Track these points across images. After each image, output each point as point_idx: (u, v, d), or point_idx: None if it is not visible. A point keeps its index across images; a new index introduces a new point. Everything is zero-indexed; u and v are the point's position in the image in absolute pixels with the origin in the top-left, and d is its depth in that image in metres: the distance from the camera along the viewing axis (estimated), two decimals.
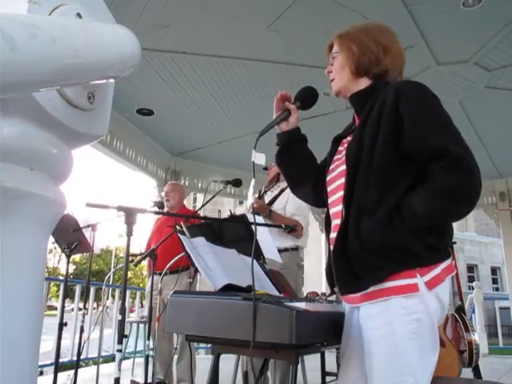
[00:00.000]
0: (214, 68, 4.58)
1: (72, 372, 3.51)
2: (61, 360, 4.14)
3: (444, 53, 4.27)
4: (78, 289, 6.05)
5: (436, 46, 4.16)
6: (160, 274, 3.44)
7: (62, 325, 3.37)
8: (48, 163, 0.88)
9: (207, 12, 3.75)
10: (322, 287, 6.78)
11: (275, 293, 1.83)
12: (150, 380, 3.25)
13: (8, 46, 0.61)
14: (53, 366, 3.51)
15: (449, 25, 3.85)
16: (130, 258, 2.85)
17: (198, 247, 1.74)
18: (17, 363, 0.84)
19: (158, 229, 4.19)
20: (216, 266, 1.70)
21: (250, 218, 2.40)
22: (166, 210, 4.18)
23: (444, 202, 1.23)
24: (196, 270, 3.30)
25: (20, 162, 0.83)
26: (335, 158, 1.54)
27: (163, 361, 3.83)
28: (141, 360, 5.23)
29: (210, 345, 1.65)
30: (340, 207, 1.40)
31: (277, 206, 3.37)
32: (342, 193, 1.40)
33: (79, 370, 3.41)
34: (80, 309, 5.58)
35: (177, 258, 2.80)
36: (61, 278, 8.32)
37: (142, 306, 8.05)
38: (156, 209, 3.73)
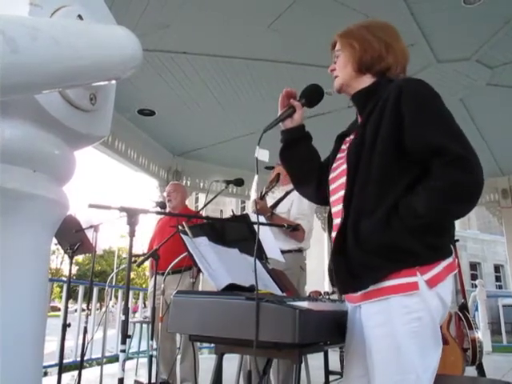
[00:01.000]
0: (215, 68, 4.58)
1: (76, 372, 3.53)
2: (65, 361, 4.14)
3: (445, 50, 4.25)
4: (81, 290, 6.06)
5: (437, 44, 4.15)
6: (163, 274, 3.45)
7: (65, 326, 3.37)
8: (50, 164, 0.88)
9: (207, 12, 3.75)
10: (325, 286, 6.78)
11: (278, 292, 1.83)
12: (153, 380, 3.26)
13: (10, 47, 0.61)
14: (57, 367, 3.52)
15: (450, 22, 3.84)
16: (133, 259, 2.85)
17: (201, 247, 1.75)
18: (21, 364, 0.84)
19: (161, 229, 4.19)
20: (219, 265, 1.70)
21: (253, 217, 2.40)
22: (168, 210, 4.18)
23: (443, 201, 1.22)
24: (199, 270, 3.30)
25: (22, 163, 0.83)
26: (338, 156, 1.54)
27: (166, 361, 3.83)
28: (144, 360, 5.23)
29: (213, 344, 1.66)
30: (340, 206, 1.40)
31: (281, 210, 3.36)
32: (342, 192, 1.40)
33: (83, 371, 3.42)
34: (83, 309, 5.60)
35: (179, 258, 2.80)
36: (64, 278, 8.34)
37: (145, 306, 8.06)
38: (158, 209, 3.74)
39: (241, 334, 1.33)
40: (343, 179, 1.42)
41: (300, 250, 3.39)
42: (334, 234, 1.42)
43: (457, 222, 1.38)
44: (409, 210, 1.24)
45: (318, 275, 5.96)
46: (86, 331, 3.43)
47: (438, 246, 1.29)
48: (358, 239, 1.29)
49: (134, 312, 10.27)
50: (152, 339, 3.54)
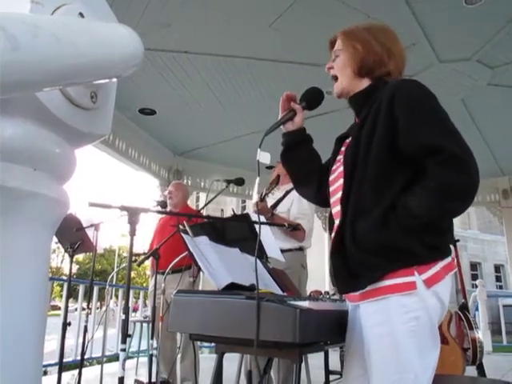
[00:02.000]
0: (216, 67, 4.58)
1: (76, 372, 3.53)
2: (65, 360, 4.15)
3: (446, 50, 4.25)
4: (81, 288, 6.07)
5: (438, 44, 4.14)
6: (163, 274, 3.44)
7: (65, 324, 3.37)
8: (51, 163, 0.88)
9: (209, 11, 3.75)
10: (325, 286, 6.78)
11: (278, 291, 1.83)
12: (153, 379, 3.26)
13: (11, 44, 0.61)
14: (57, 366, 3.52)
15: (451, 22, 3.84)
16: (134, 258, 2.85)
17: (201, 246, 1.75)
18: (21, 363, 0.84)
19: (161, 228, 4.19)
20: (219, 265, 1.70)
21: (254, 217, 2.40)
22: (169, 209, 4.19)
23: (438, 201, 1.22)
24: (199, 269, 3.30)
25: (23, 161, 0.83)
26: (337, 158, 1.55)
27: (167, 360, 3.83)
28: (144, 359, 5.24)
29: (213, 344, 1.66)
30: (339, 207, 1.41)
31: (281, 209, 3.37)
32: (341, 193, 1.41)
33: (83, 370, 3.42)
34: (83, 308, 5.60)
35: (179, 257, 2.80)
36: (64, 277, 8.34)
37: (146, 305, 8.07)
38: (159, 208, 3.74)
39: (241, 333, 1.33)
40: (341, 181, 1.42)
41: (301, 249, 3.39)
42: (332, 235, 1.43)
43: (457, 222, 1.39)
44: (405, 209, 1.24)
45: (318, 275, 5.96)
46: (86, 330, 3.43)
47: (435, 246, 1.29)
48: (355, 239, 1.29)
49: (135, 310, 10.27)
50: (152, 338, 3.54)
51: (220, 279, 1.62)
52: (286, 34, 4.03)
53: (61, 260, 34.95)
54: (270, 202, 3.39)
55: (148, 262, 4.32)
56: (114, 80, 0.93)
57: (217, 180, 3.51)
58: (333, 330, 1.46)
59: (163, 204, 4.04)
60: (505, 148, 6.49)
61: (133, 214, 2.18)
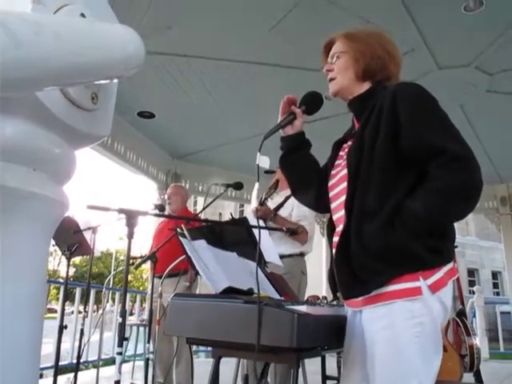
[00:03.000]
0: (215, 71, 4.59)
1: (72, 375, 3.51)
2: (61, 363, 4.13)
3: (445, 57, 4.27)
4: (78, 291, 6.04)
5: (437, 50, 4.16)
6: (160, 278, 3.43)
7: (62, 327, 3.36)
8: (51, 163, 0.87)
9: (209, 15, 3.76)
10: (323, 291, 6.77)
11: (276, 296, 1.83)
12: (149, 383, 3.24)
13: (12, 42, 0.61)
14: (53, 369, 3.50)
15: (450, 29, 3.85)
16: (131, 261, 2.84)
17: (199, 250, 1.74)
18: (18, 366, 0.83)
19: (160, 232, 4.18)
20: (217, 268, 1.69)
21: (252, 221, 2.40)
22: (168, 212, 4.17)
23: (444, 202, 1.22)
24: (196, 273, 3.29)
25: (23, 161, 0.82)
26: (336, 163, 1.54)
27: (163, 364, 3.81)
28: (141, 363, 5.21)
29: (209, 348, 1.65)
30: (342, 212, 1.39)
31: (282, 214, 3.36)
32: (343, 197, 1.40)
33: (79, 373, 3.41)
34: (80, 312, 5.57)
35: (177, 261, 2.79)
36: (61, 280, 8.31)
37: (143, 309, 8.04)
38: (157, 212, 3.73)
39: (239, 337, 1.32)
40: (344, 185, 1.42)
41: (301, 254, 3.39)
42: (336, 239, 1.41)
43: (455, 229, 1.38)
44: (410, 212, 1.23)
45: (315, 280, 5.95)
46: (82, 333, 3.41)
47: (440, 251, 1.28)
48: (361, 243, 1.28)
49: (132, 314, 10.23)
50: (149, 342, 3.52)
51: (218, 283, 1.62)
52: (286, 39, 4.04)
53: (58, 263, 34.85)
54: (270, 206, 3.39)
55: (145, 266, 4.31)
56: (116, 81, 0.93)
57: (215, 184, 3.52)
58: (330, 335, 1.46)
59: (161, 207, 4.03)
60: (503, 155, 6.49)
61: (131, 217, 2.18)
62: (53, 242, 3.52)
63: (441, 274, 1.27)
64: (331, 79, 1.51)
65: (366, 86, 1.47)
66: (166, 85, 4.83)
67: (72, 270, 31.83)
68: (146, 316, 4.83)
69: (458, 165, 1.21)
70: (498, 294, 24.23)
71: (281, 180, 3.27)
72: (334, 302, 2.05)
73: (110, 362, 6.04)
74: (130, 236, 2.19)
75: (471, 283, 22.29)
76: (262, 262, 2.33)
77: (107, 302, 5.99)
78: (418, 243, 1.24)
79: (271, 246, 2.49)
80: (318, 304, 2.06)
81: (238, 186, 3.13)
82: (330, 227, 1.51)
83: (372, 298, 1.29)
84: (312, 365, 3.01)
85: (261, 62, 4.44)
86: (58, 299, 6.76)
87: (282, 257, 2.59)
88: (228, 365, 2.16)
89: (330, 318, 1.51)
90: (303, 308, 1.33)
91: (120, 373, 2.06)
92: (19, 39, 0.61)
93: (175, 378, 3.84)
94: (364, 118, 1.40)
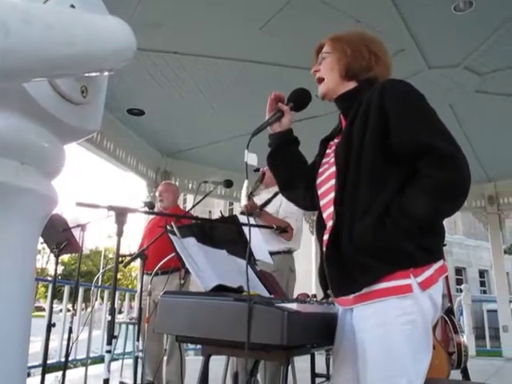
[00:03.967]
0: (206, 68, 4.57)
1: (60, 373, 3.48)
2: (49, 361, 4.09)
3: (435, 56, 4.29)
4: (66, 290, 6.00)
5: (427, 50, 4.19)
6: (150, 275, 3.42)
7: (50, 326, 3.33)
8: (39, 157, 0.86)
9: (199, 12, 3.74)
10: (312, 289, 6.79)
11: (265, 294, 1.83)
12: (139, 381, 3.23)
13: (1, 31, 0.60)
14: (41, 368, 3.47)
15: (440, 29, 3.88)
16: (120, 259, 2.83)
17: (189, 248, 1.74)
18: (5, 364, 0.82)
19: (150, 230, 4.16)
20: (207, 266, 1.69)
21: (241, 219, 2.39)
22: (159, 209, 4.15)
23: (434, 200, 1.22)
24: (186, 271, 3.28)
25: (10, 155, 0.81)
26: (324, 160, 1.54)
27: (152, 362, 3.80)
28: (129, 361, 5.19)
29: (199, 346, 1.64)
30: (331, 209, 1.39)
31: (269, 210, 3.37)
32: (332, 195, 1.40)
33: (67, 372, 3.38)
34: (68, 310, 5.54)
35: (166, 258, 2.78)
36: (49, 278, 8.24)
37: (131, 307, 8.00)
38: (146, 209, 3.71)
39: (228, 335, 1.32)
40: (332, 182, 1.42)
41: (289, 252, 3.39)
42: (325, 237, 1.41)
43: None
44: (400, 210, 1.24)
45: (305, 278, 5.96)
46: (71, 331, 3.39)
47: (431, 248, 1.29)
48: (351, 240, 1.28)
49: (121, 311, 10.18)
50: (138, 340, 3.50)
51: (207, 281, 1.61)
52: (277, 37, 4.04)
53: (46, 261, 34.55)
54: (258, 203, 3.39)
55: (135, 264, 4.29)
56: (106, 74, 0.92)
57: (205, 182, 3.50)
58: (320, 332, 1.46)
59: (151, 205, 4.01)
60: (491, 154, 6.56)
61: (120, 215, 2.16)
62: (41, 239, 3.49)
63: (431, 272, 1.27)
64: (318, 80, 1.53)
65: (352, 84, 1.48)
66: (156, 82, 4.81)
67: (60, 268, 31.60)
68: (135, 314, 4.81)
69: (447, 162, 1.21)
70: (484, 292, 24.47)
71: (267, 174, 3.26)
72: (324, 300, 2.05)
73: (99, 360, 6.01)
74: (120, 233, 2.17)
75: (458, 281, 22.49)
76: (251, 260, 2.33)
77: (96, 300, 5.96)
78: (409, 241, 1.24)
79: (261, 243, 2.49)
80: (308, 302, 2.06)
81: (228, 184, 3.12)
82: (320, 225, 1.51)
83: (363, 295, 1.29)
84: (301, 362, 3.02)
85: (252, 59, 4.44)
86: (46, 297, 6.70)
87: (269, 254, 2.59)
88: (217, 363, 2.16)
89: (320, 315, 1.51)
90: (293, 306, 1.33)
91: (109, 371, 2.05)
92: (8, 28, 0.60)
93: (165, 375, 3.83)
94: (351, 114, 1.40)
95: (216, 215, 2.87)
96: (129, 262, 3.29)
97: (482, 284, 25.13)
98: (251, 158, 1.43)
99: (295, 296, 3.48)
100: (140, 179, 6.78)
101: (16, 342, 0.85)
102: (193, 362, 4.92)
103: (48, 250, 3.77)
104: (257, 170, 3.53)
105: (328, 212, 1.45)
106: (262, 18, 3.78)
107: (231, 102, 5.27)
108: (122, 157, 6.10)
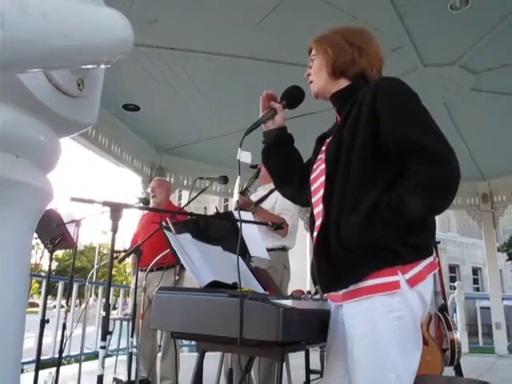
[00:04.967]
0: (202, 65, 4.56)
1: (54, 369, 3.47)
2: (42, 357, 4.08)
3: (431, 55, 4.30)
4: (60, 285, 5.98)
5: (423, 48, 4.19)
6: (145, 271, 3.41)
7: (43, 322, 3.32)
8: (35, 150, 0.85)
9: (196, 8, 3.72)
10: (307, 285, 6.80)
11: (260, 290, 1.83)
12: (133, 378, 3.23)
13: None
14: (34, 364, 3.46)
15: (436, 27, 3.88)
16: (115, 255, 2.82)
17: (184, 243, 1.73)
18: (0, 359, 0.82)
19: (144, 225, 4.15)
20: (202, 262, 1.69)
21: (236, 215, 2.39)
22: (152, 205, 4.14)
23: (423, 198, 1.23)
24: (181, 267, 3.28)
25: (5, 148, 0.80)
26: (318, 157, 1.56)
27: (147, 358, 3.80)
28: (124, 358, 5.19)
29: (193, 342, 1.64)
30: (321, 206, 1.40)
31: (265, 206, 3.36)
32: (323, 191, 1.40)
33: (61, 368, 3.37)
34: (62, 306, 5.52)
35: (161, 254, 2.78)
36: (43, 274, 8.22)
37: (126, 303, 7.99)
38: (141, 205, 3.70)
39: (223, 331, 1.32)
40: (323, 179, 1.42)
41: (284, 249, 3.39)
42: (315, 234, 1.42)
43: (437, 225, 1.39)
44: (390, 208, 1.24)
45: (300, 275, 5.97)
46: (64, 327, 3.38)
47: (419, 245, 1.29)
48: (339, 238, 1.29)
49: (115, 308, 10.17)
50: (132, 336, 3.50)
51: (202, 277, 1.61)
52: (273, 34, 4.03)
53: (40, 256, 34.43)
54: (253, 199, 3.38)
55: (129, 260, 4.28)
56: (102, 67, 0.91)
57: (200, 178, 3.49)
58: (315, 329, 1.46)
59: (145, 201, 4.00)
60: (485, 153, 6.59)
61: (115, 210, 2.15)
62: (35, 235, 3.48)
63: (419, 268, 1.28)
64: (310, 82, 1.56)
65: (343, 82, 1.50)
66: (151, 78, 4.78)
67: (54, 264, 31.52)
68: (129, 310, 4.80)
69: (437, 160, 1.22)
70: (478, 289, 24.65)
71: (263, 171, 3.26)
72: (318, 296, 2.06)
73: (93, 356, 6.00)
74: (115, 229, 2.16)
75: (452, 279, 22.65)
76: (247, 256, 2.33)
77: (90, 296, 5.94)
78: (396, 238, 1.25)
79: (258, 239, 2.49)
80: (303, 298, 2.07)
81: (223, 180, 3.12)
82: (312, 221, 1.52)
83: (351, 292, 1.30)
84: (296, 359, 3.02)
85: (248, 56, 4.42)
86: (39, 293, 6.67)
87: None
88: (212, 359, 2.16)
89: (315, 312, 1.52)
90: (288, 302, 1.34)
91: (103, 367, 2.05)
92: (4, 18, 0.59)
93: (160, 372, 3.83)
94: (345, 112, 1.42)
95: (211, 211, 2.86)
96: (123, 258, 3.28)
97: (476, 281, 25.31)
98: (244, 156, 1.43)
99: (289, 293, 3.49)
100: (135, 175, 6.75)
101: (11, 334, 0.85)
102: (187, 358, 4.92)
103: (42, 246, 3.76)
104: (254, 166, 3.53)
105: (318, 209, 1.46)
106: (259, 14, 3.76)
107: (227, 98, 5.26)
108: (117, 152, 6.07)
